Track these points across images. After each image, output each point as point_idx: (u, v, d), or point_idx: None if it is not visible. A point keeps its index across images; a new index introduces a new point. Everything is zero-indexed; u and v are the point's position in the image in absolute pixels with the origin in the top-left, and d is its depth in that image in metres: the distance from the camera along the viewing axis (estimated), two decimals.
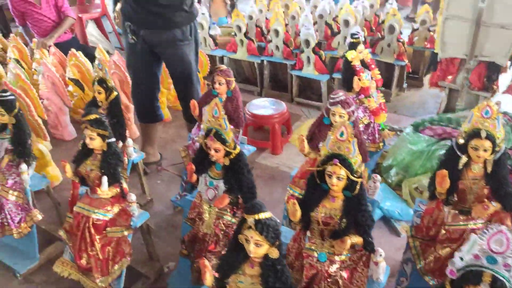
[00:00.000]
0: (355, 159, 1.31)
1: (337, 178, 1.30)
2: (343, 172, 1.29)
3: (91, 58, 3.26)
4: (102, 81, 1.95)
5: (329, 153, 1.33)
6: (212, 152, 1.49)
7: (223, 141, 1.47)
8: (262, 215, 1.10)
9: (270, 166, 2.72)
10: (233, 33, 3.75)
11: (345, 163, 1.29)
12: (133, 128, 2.96)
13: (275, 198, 2.38)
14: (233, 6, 4.81)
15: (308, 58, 3.23)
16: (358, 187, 1.31)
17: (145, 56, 2.25)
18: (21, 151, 1.80)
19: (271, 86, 3.65)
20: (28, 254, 1.93)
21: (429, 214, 1.61)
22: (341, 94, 1.70)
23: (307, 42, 3.17)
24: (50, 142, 2.68)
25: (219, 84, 1.98)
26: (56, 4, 3.53)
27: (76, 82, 3.02)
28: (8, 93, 1.74)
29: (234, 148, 1.50)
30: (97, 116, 1.56)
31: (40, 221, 1.91)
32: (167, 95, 3.25)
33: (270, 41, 3.45)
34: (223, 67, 2.00)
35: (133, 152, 2.06)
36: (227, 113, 1.63)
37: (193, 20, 2.20)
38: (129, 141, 2.03)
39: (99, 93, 1.96)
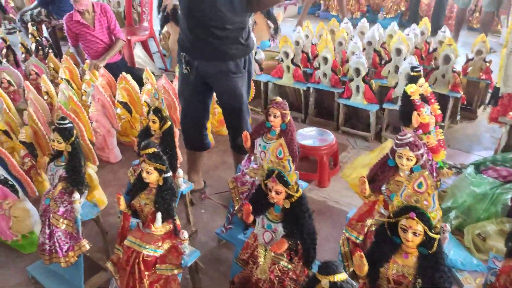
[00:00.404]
0: (435, 213, 1.20)
1: (413, 234, 1.19)
2: (420, 227, 1.18)
3: (138, 80, 3.31)
4: (157, 111, 1.93)
5: (404, 205, 1.23)
6: (273, 194, 1.41)
7: (286, 184, 1.39)
8: (338, 277, 1.00)
9: (316, 199, 2.61)
10: (277, 58, 3.72)
11: (423, 217, 1.18)
12: (178, 153, 2.93)
13: (322, 235, 2.26)
14: (276, 29, 4.80)
15: (358, 87, 3.13)
16: (436, 244, 1.20)
17: (198, 86, 2.23)
18: (75, 179, 1.78)
19: (315, 113, 3.56)
20: (73, 283, 1.90)
21: (506, 273, 1.45)
22: (409, 136, 1.59)
23: (357, 71, 3.08)
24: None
25: (274, 116, 1.91)
26: (108, 27, 3.62)
27: (125, 105, 3.05)
28: (66, 121, 1.74)
29: (297, 191, 1.42)
30: (156, 150, 1.52)
31: None
32: (211, 120, 3.23)
33: (317, 68, 3.38)
34: (279, 99, 1.93)
35: (182, 183, 2.02)
36: None
37: (248, 53, 2.17)
38: (180, 171, 1.99)
39: (154, 122, 1.94)
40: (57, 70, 3.90)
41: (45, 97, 3.38)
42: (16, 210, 2.12)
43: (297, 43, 3.66)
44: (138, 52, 4.28)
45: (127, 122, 3.09)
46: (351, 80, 3.16)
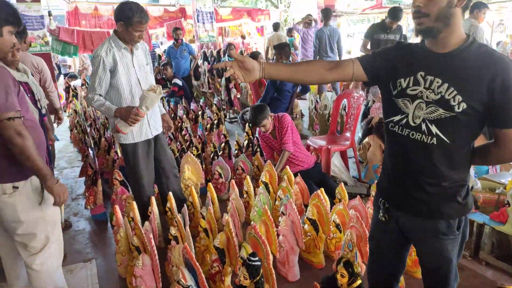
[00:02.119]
0: None
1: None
2: None
3: (330, 190, 3.22)
4: (348, 264, 1.73)
5: None
6: None
7: None
8: None
9: None
10: (498, 191, 3.06)
11: None
12: None
13: None
14: None
15: None
16: None
17: (394, 237, 1.88)
18: None
19: None
20: None
21: None
22: None
23: None
24: None
25: None
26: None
27: (313, 222, 2.96)
28: (256, 258, 1.71)
29: None
30: None
31: None
32: None
33: None
34: None
35: None
36: None
37: (466, 213, 1.74)
38: None
39: (342, 276, 1.73)
40: (260, 169, 4.23)
41: (245, 195, 3.65)
42: None
43: None
44: (335, 160, 4.27)
45: (312, 240, 2.98)
46: None
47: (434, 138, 1.49)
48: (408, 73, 1.52)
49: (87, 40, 9.65)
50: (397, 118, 1.57)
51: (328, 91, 8.40)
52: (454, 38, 1.43)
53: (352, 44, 17.07)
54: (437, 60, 1.47)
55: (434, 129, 1.47)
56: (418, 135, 1.51)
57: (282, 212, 3.06)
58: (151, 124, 3.19)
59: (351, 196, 3.37)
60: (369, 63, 1.63)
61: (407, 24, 18.13)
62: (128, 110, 2.85)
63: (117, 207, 3.02)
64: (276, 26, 11.00)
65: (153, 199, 3.20)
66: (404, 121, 1.55)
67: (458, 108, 1.41)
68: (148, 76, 3.19)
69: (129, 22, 2.81)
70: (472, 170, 3.12)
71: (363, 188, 4.00)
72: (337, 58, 7.54)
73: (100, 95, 2.96)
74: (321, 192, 3.04)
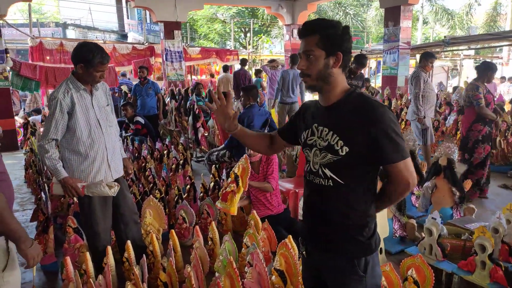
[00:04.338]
0: None
1: None
2: None
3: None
4: None
5: None
6: None
7: None
8: None
9: None
10: (464, 237, 3.06)
11: None
12: None
13: None
14: (462, 199, 4.13)
15: None
16: None
17: (314, 273, 1.88)
18: None
19: None
20: None
21: None
22: None
23: None
24: None
25: None
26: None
27: (281, 273, 2.81)
28: None
29: None
30: None
31: None
32: None
33: None
34: None
35: None
36: None
37: (370, 253, 1.69)
38: None
39: None
40: (227, 214, 4.07)
41: (209, 242, 3.46)
42: None
43: (496, 231, 2.96)
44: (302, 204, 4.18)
45: None
46: None
47: (330, 180, 1.63)
48: (307, 126, 1.75)
49: (50, 76, 9.39)
50: (306, 166, 1.74)
51: None
52: (335, 92, 1.64)
53: None
54: (324, 112, 1.68)
55: (328, 172, 1.63)
56: (317, 179, 1.67)
57: (248, 262, 2.90)
58: (111, 166, 3.01)
59: None
60: (284, 133, 1.97)
61: (369, 68, 19.06)
62: (74, 186, 2.80)
63: (68, 259, 2.76)
64: (243, 62, 11.25)
65: (109, 249, 2.96)
66: (308, 168, 1.72)
67: (342, 152, 1.58)
68: (109, 117, 3.05)
69: (90, 64, 2.70)
70: (438, 218, 3.11)
71: None
72: (297, 100, 8.00)
73: (56, 139, 2.79)
74: (289, 241, 2.91)
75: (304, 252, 1.86)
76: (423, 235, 3.23)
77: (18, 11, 27.47)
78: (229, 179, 3.23)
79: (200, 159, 7.38)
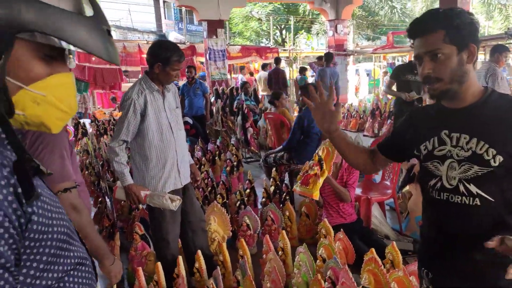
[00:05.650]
0: None
1: None
2: None
3: (378, 249, 2.82)
4: None
5: None
6: None
7: None
8: None
9: None
10: None
11: None
12: None
13: None
14: None
15: None
16: None
17: None
18: None
19: None
20: None
21: None
22: None
23: None
24: None
25: None
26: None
27: None
28: None
29: None
30: None
31: None
32: None
33: None
34: None
35: None
36: None
37: None
38: None
39: None
40: (292, 221, 3.84)
41: (280, 253, 3.25)
42: None
43: None
44: (375, 211, 3.90)
45: None
46: None
47: (477, 199, 1.34)
48: (431, 134, 1.44)
49: (98, 77, 9.51)
50: (432, 182, 1.43)
51: (364, 134, 8.63)
52: (471, 93, 1.37)
53: (359, 81, 17.13)
54: (459, 116, 1.39)
55: (473, 188, 1.33)
56: (458, 198, 1.37)
57: (329, 277, 2.67)
58: (181, 172, 2.86)
59: None
60: (386, 148, 1.66)
61: None
62: (137, 193, 2.69)
63: (140, 271, 2.62)
64: (277, 60, 11.03)
65: (180, 259, 2.80)
66: (439, 184, 1.41)
67: (495, 162, 1.29)
68: (179, 119, 2.90)
69: (167, 62, 2.56)
70: None
71: (408, 244, 3.59)
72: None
73: (126, 141, 2.66)
74: (374, 255, 2.65)
75: (430, 287, 1.54)
76: None
77: None
78: (312, 162, 3.03)
79: (249, 159, 7.20)
